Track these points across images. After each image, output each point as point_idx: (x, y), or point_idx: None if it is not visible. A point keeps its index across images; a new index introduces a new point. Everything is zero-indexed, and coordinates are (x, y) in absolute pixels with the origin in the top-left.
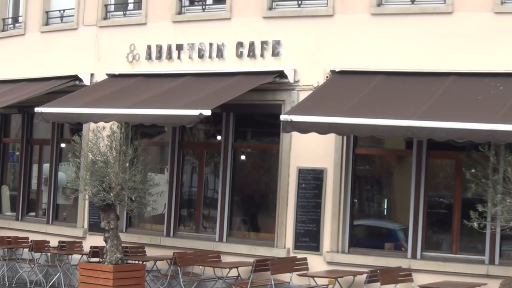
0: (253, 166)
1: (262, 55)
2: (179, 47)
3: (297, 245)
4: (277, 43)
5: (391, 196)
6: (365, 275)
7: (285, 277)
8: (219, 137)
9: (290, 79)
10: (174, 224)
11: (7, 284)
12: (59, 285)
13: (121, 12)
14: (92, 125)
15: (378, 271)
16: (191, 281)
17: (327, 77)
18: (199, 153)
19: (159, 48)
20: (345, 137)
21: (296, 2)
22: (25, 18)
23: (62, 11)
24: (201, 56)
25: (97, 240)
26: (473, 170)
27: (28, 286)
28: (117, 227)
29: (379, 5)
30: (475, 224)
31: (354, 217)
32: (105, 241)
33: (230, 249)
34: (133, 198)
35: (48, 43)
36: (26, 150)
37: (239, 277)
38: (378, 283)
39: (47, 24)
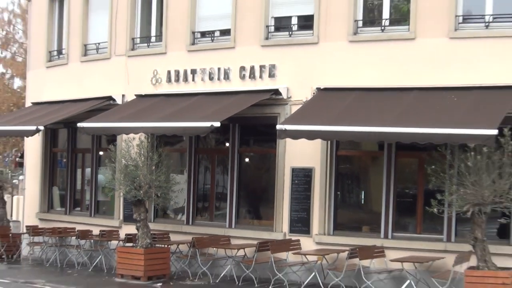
0: (255, 167)
1: (260, 77)
2: (193, 72)
3: (292, 230)
4: (272, 67)
5: (367, 189)
6: (346, 252)
7: (282, 255)
8: (227, 144)
9: (284, 95)
10: (193, 215)
11: (59, 266)
12: (101, 266)
13: (146, 44)
14: (124, 136)
15: (357, 249)
16: (207, 260)
17: (313, 93)
18: (211, 157)
19: (177, 73)
20: (329, 142)
21: (287, 33)
22: (67, 51)
23: (97, 44)
24: (211, 78)
25: (130, 229)
26: (433, 166)
27: (76, 267)
28: (146, 218)
29: (355, 33)
30: (435, 210)
31: (337, 206)
32: (137, 229)
33: (238, 233)
34: (159, 195)
35: (86, 71)
36: (71, 157)
37: (246, 256)
38: (357, 259)
39: (85, 55)
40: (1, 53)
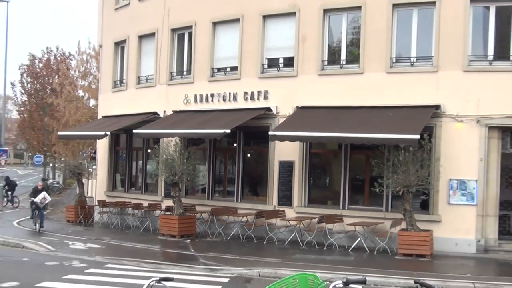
0: (254, 160)
1: (258, 99)
2: (212, 95)
3: (279, 203)
4: (266, 92)
5: (331, 175)
6: (317, 219)
7: (273, 221)
8: (235, 144)
9: (274, 111)
10: (211, 193)
11: (120, 228)
12: (148, 228)
13: (180, 76)
14: (165, 139)
15: (324, 217)
16: (221, 224)
17: (294, 110)
18: (224, 154)
19: (201, 96)
20: (305, 143)
21: (276, 69)
22: (126, 81)
23: (147, 76)
24: (224, 100)
25: (169, 202)
26: (375, 160)
27: (131, 229)
28: (179, 195)
29: (322, 69)
30: (377, 190)
31: (310, 187)
32: (173, 202)
33: (242, 206)
34: (188, 179)
35: (139, 94)
36: (128, 153)
37: (247, 221)
38: (324, 223)
39: (138, 83)
40: (81, 82)
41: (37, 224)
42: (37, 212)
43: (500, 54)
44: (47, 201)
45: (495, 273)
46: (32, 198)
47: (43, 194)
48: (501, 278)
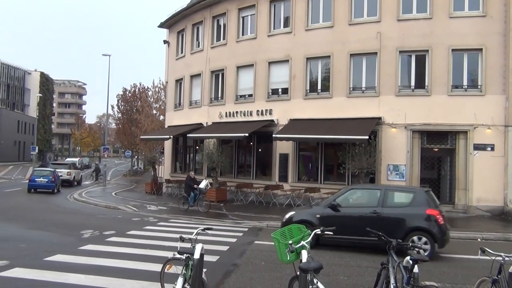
0: (263, 153)
1: (265, 114)
2: (236, 113)
3: (280, 180)
4: (271, 110)
5: (312, 162)
6: (303, 190)
7: (275, 191)
8: (251, 143)
9: (276, 122)
10: (236, 174)
11: (179, 197)
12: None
13: (216, 100)
14: (207, 140)
15: (308, 188)
16: (243, 193)
17: (288, 121)
18: (244, 149)
19: (229, 113)
20: (296, 142)
21: (277, 95)
22: (183, 103)
23: (196, 100)
24: (244, 115)
25: (210, 180)
26: (340, 152)
27: None
28: (216, 175)
29: (306, 95)
30: (342, 171)
31: (299, 170)
32: (212, 180)
33: (256, 182)
34: (221, 165)
35: (191, 112)
36: (184, 149)
37: (259, 191)
38: (308, 193)
39: (190, 105)
40: (155, 105)
41: (199, 206)
42: (196, 195)
43: (419, 84)
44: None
45: None
46: (196, 185)
47: (207, 181)
48: None
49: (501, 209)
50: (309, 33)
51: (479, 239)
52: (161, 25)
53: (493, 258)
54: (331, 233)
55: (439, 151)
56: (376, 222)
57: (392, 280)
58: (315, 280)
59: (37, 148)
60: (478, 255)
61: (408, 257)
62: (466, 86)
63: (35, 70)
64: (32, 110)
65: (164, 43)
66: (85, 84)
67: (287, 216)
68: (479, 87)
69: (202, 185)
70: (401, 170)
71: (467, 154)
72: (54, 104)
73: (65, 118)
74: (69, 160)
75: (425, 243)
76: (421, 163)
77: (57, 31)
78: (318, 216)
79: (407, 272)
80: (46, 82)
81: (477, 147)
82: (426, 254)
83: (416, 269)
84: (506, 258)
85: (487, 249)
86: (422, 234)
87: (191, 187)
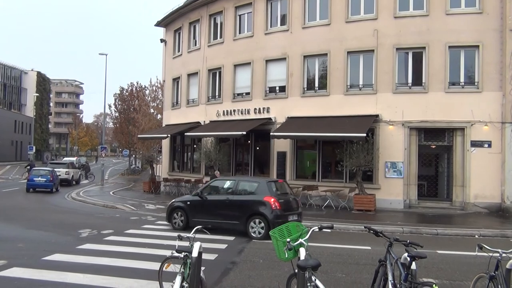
0: (261, 151)
1: (263, 112)
2: (234, 111)
3: (277, 177)
4: (268, 108)
5: (310, 160)
6: (301, 187)
7: None
8: (249, 141)
9: (273, 120)
10: (235, 171)
11: (176, 195)
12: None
13: (214, 99)
14: (204, 138)
15: (306, 186)
16: None
17: (286, 119)
18: (242, 147)
19: (227, 111)
20: (293, 140)
21: (274, 93)
22: (180, 102)
23: (193, 99)
24: (241, 113)
25: (207, 178)
26: (338, 150)
27: (184, 195)
28: (213, 173)
29: (303, 93)
30: (340, 169)
31: (297, 168)
32: (210, 178)
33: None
34: (219, 163)
35: (188, 110)
36: (181, 148)
37: None
38: (306, 190)
39: (188, 104)
40: (152, 104)
41: None
42: None
43: (416, 81)
44: None
45: (416, 221)
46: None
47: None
48: (420, 224)
49: (499, 205)
50: (306, 31)
51: (476, 236)
52: (158, 24)
53: (491, 254)
54: (329, 230)
55: (436, 148)
56: (227, 207)
57: (390, 277)
58: (313, 278)
59: (34, 147)
60: (475, 251)
61: (405, 254)
62: (463, 83)
63: (32, 70)
64: (29, 110)
65: (161, 41)
66: (82, 83)
67: (170, 202)
68: (476, 83)
69: None
70: (398, 167)
71: (464, 151)
72: (51, 104)
73: (62, 117)
74: (67, 159)
75: (262, 228)
76: (418, 160)
77: (53, 31)
78: (188, 202)
79: (404, 269)
80: (42, 81)
81: (474, 144)
82: (259, 235)
83: (413, 266)
84: (504, 255)
85: (484, 245)
86: (260, 217)
87: None
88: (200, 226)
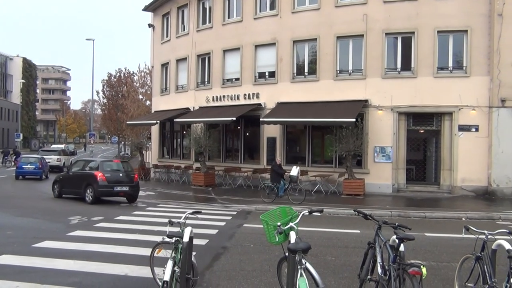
0: (251, 136)
1: (253, 98)
2: (223, 97)
3: (268, 163)
4: (258, 94)
5: (299, 146)
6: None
7: (264, 175)
8: (238, 127)
9: (263, 106)
10: (224, 158)
11: (167, 181)
12: (185, 181)
13: (203, 84)
14: (194, 124)
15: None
16: (231, 177)
17: (275, 104)
18: (232, 133)
19: (217, 97)
20: (283, 125)
21: (264, 79)
22: (169, 88)
23: (182, 85)
24: (231, 99)
25: (197, 165)
26: (328, 135)
27: (174, 182)
28: (204, 160)
29: (293, 79)
30: (329, 154)
31: (287, 153)
32: (200, 164)
33: (244, 166)
34: (209, 150)
35: (177, 96)
36: (171, 134)
37: (247, 175)
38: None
39: (177, 90)
40: (141, 90)
41: (289, 196)
42: (285, 184)
43: (405, 66)
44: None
45: (404, 204)
46: (288, 173)
47: (298, 168)
48: (408, 207)
49: (485, 188)
50: (296, 16)
51: (463, 218)
52: (146, 9)
53: (477, 236)
54: (319, 213)
55: (424, 133)
56: (77, 180)
57: (379, 259)
58: (303, 261)
59: (21, 135)
60: (462, 233)
61: (394, 236)
62: (451, 68)
63: (17, 56)
64: (15, 97)
65: (149, 26)
66: (69, 69)
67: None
68: (464, 68)
69: (294, 172)
70: (387, 152)
71: (452, 135)
72: (38, 90)
73: (49, 104)
74: (55, 146)
75: (92, 195)
76: (407, 145)
77: (39, 16)
78: (61, 177)
79: (393, 251)
80: (28, 67)
81: (462, 128)
82: (90, 200)
83: (402, 248)
84: (489, 236)
85: (471, 227)
86: (90, 187)
87: (281, 175)
88: (192, 211)
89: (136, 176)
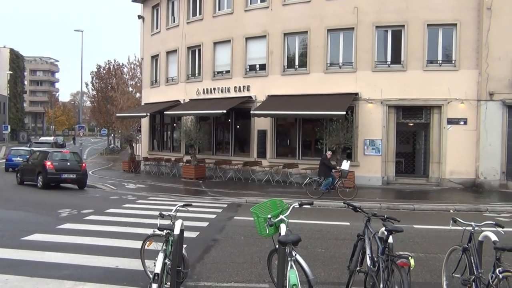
0: (241, 129)
1: (243, 90)
2: (214, 89)
3: (258, 156)
4: (248, 86)
5: (290, 138)
6: (282, 165)
7: (254, 168)
8: (229, 120)
9: (253, 98)
10: (215, 151)
11: (157, 174)
12: (175, 174)
13: (193, 77)
14: (184, 117)
15: (286, 164)
16: (221, 170)
17: (266, 97)
18: (222, 126)
19: (207, 89)
20: (273, 118)
21: (254, 71)
22: (159, 80)
23: (172, 77)
24: (221, 91)
25: (188, 157)
26: (318, 128)
27: (164, 175)
28: (195, 152)
29: (283, 71)
30: (319, 147)
31: (277, 146)
32: (191, 157)
33: (235, 158)
34: (199, 142)
35: (168, 90)
36: (161, 127)
37: (238, 168)
38: (286, 168)
39: (167, 82)
40: (130, 82)
41: (338, 191)
42: (334, 178)
43: (395, 60)
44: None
45: (394, 197)
46: (338, 167)
47: (349, 162)
48: (397, 200)
49: (473, 181)
50: (287, 8)
51: (451, 211)
52: (135, 0)
53: (464, 228)
54: (309, 206)
55: (414, 126)
56: (33, 168)
57: (368, 251)
58: (293, 253)
59: (9, 127)
60: (450, 225)
61: (383, 228)
62: (440, 61)
63: (4, 47)
64: (3, 88)
65: (139, 18)
66: (57, 61)
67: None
68: (453, 62)
69: (346, 166)
70: (377, 145)
71: (441, 128)
72: (26, 82)
73: (37, 96)
74: (43, 139)
75: (42, 181)
76: (396, 138)
77: (26, 6)
78: (22, 166)
79: (382, 243)
80: (16, 59)
81: (451, 121)
82: (40, 186)
83: (390, 239)
84: (476, 228)
85: (458, 219)
86: (41, 174)
87: (330, 169)
88: (182, 203)
89: (84, 164)
